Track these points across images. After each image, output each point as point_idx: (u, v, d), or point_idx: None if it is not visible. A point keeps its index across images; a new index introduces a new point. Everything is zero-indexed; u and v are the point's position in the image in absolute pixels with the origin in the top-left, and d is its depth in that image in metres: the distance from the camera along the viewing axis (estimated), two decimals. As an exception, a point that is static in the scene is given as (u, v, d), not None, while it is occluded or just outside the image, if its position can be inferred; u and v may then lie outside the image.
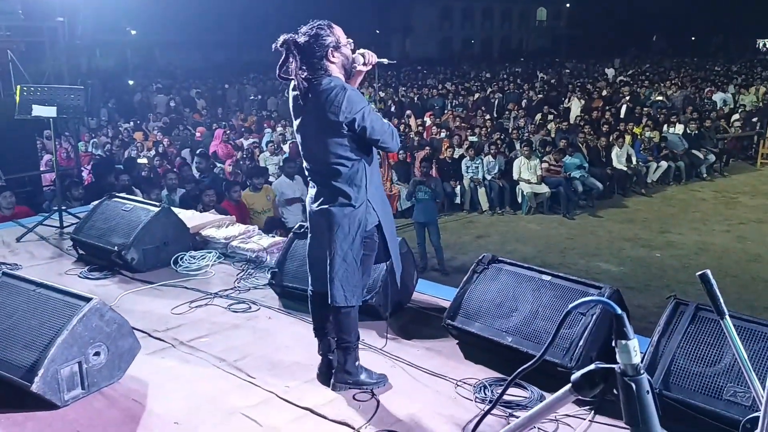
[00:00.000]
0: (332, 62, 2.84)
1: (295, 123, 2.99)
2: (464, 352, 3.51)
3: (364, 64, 3.00)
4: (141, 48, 34.84)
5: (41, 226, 5.82)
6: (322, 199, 2.94)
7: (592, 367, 1.54)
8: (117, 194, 5.49)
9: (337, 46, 2.84)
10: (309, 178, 3.05)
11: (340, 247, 2.89)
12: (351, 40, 2.94)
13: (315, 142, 2.90)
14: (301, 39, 2.79)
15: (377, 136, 2.86)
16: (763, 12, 45.81)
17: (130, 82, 22.21)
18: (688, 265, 8.40)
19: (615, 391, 1.51)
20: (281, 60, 2.83)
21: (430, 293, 4.31)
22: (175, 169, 9.84)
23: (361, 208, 2.90)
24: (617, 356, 1.51)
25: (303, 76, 2.79)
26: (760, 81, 21.08)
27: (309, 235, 3.12)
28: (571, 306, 1.53)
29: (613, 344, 1.50)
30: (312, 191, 3.03)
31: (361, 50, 3.01)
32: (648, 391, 1.48)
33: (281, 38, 2.78)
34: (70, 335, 2.95)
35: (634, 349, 1.50)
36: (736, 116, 16.06)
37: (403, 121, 15.41)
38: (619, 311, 1.51)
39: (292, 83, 2.90)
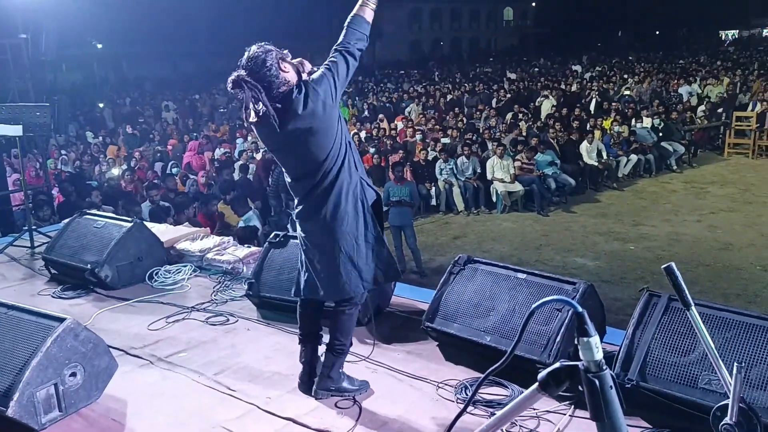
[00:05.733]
0: (286, 72, 2.79)
1: (277, 152, 2.93)
2: (444, 353, 3.53)
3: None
4: (108, 61, 34.39)
5: (12, 247, 5.72)
6: (320, 209, 2.87)
7: (557, 365, 1.57)
8: (88, 211, 5.42)
9: (282, 57, 2.81)
10: (300, 193, 2.94)
11: (351, 235, 2.89)
12: (286, 51, 2.89)
13: (307, 151, 2.82)
14: (250, 74, 2.70)
15: (353, 52, 2.91)
16: (725, 4, 46.86)
17: (101, 105, 21.86)
18: (662, 257, 8.52)
19: (580, 388, 1.53)
20: (242, 105, 2.76)
21: (409, 296, 4.33)
22: (158, 183, 9.59)
23: (357, 189, 2.91)
24: (580, 353, 1.53)
25: (276, 106, 2.74)
26: (724, 72, 21.45)
27: (305, 246, 3.03)
28: (534, 306, 1.56)
29: (576, 342, 1.52)
30: (305, 204, 2.93)
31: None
32: (611, 387, 1.51)
33: (230, 81, 2.69)
34: (45, 357, 2.90)
35: (596, 345, 1.53)
36: (702, 108, 16.35)
37: (375, 125, 15.43)
38: (580, 309, 1.54)
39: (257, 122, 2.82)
